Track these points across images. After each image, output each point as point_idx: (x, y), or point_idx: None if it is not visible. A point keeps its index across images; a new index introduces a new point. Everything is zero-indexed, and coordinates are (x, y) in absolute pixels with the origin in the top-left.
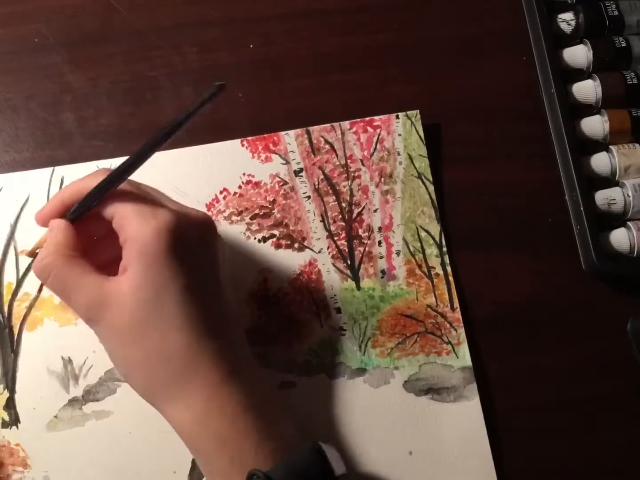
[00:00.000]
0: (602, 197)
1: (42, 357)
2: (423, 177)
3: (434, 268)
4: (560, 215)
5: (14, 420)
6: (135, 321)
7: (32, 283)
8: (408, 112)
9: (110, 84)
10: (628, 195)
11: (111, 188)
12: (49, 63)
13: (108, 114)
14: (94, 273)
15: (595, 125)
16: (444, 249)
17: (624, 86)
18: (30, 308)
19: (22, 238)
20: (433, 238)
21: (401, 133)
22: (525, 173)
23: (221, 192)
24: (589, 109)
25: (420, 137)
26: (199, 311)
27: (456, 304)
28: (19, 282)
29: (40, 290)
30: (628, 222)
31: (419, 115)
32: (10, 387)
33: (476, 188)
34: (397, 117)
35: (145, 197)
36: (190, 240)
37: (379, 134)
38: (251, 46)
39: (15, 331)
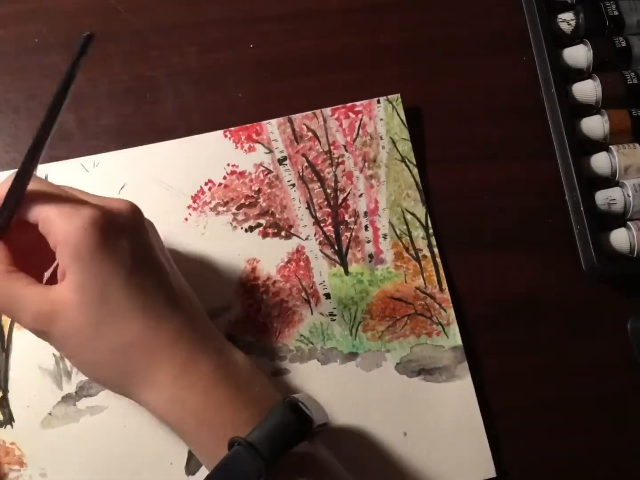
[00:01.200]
0: (602, 197)
1: (33, 355)
2: (407, 161)
3: (421, 250)
4: (560, 215)
5: (8, 420)
6: (86, 323)
7: None
8: (389, 97)
9: (110, 84)
10: (628, 195)
11: (26, 180)
12: (49, 63)
13: (108, 114)
14: (35, 284)
15: (595, 125)
16: (430, 231)
17: (624, 86)
18: None
19: None
20: (419, 220)
21: (383, 117)
22: (525, 173)
23: (206, 184)
24: (589, 109)
25: (402, 120)
26: (147, 297)
27: (444, 284)
28: None
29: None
30: (628, 222)
31: (399, 99)
32: (3, 386)
33: (476, 188)
34: (378, 101)
35: (66, 196)
36: (119, 230)
37: (361, 119)
38: (251, 46)
39: (6, 330)
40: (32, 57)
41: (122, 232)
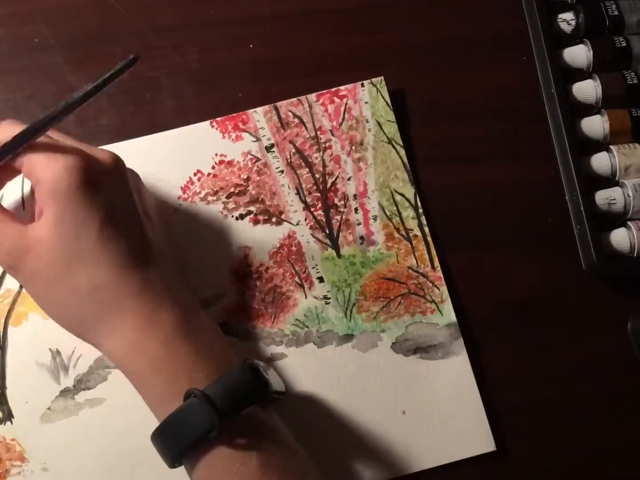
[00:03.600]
0: (602, 197)
1: (29, 351)
2: (393, 142)
3: (412, 230)
4: (560, 215)
5: (7, 416)
6: (57, 260)
7: (13, 279)
8: (373, 80)
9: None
10: (628, 195)
11: (24, 144)
12: (49, 63)
13: (108, 114)
14: (11, 221)
15: (595, 125)
16: (420, 210)
17: (624, 86)
18: (13, 303)
19: None
20: (408, 201)
21: (368, 100)
22: (525, 173)
23: (195, 174)
24: (589, 109)
25: (387, 102)
26: (120, 245)
27: (436, 263)
28: (1, 279)
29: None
30: (628, 222)
31: (383, 82)
32: (1, 383)
33: (476, 188)
34: (362, 85)
35: (50, 141)
36: (100, 177)
37: (346, 104)
38: (251, 46)
39: (1, 327)
40: (32, 57)
41: (102, 179)
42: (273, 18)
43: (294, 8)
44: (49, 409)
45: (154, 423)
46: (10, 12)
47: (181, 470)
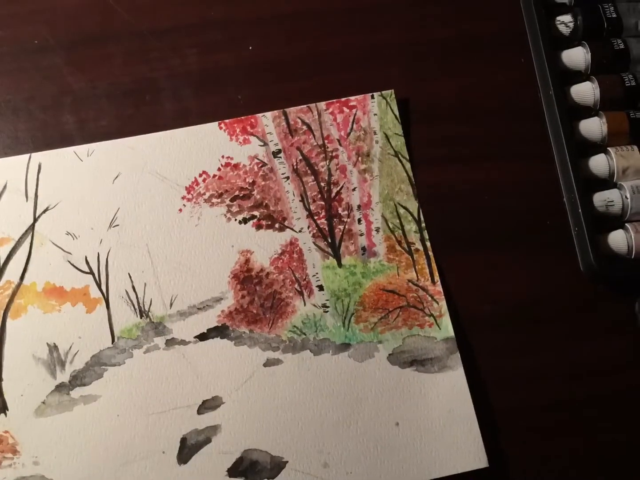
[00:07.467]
0: (600, 198)
1: (27, 344)
2: (400, 155)
3: (414, 244)
4: (558, 217)
5: (2, 408)
6: None
7: (14, 271)
8: (383, 92)
9: (110, 85)
10: (626, 197)
11: None
12: (48, 64)
13: (108, 115)
14: None
15: (593, 127)
16: (423, 225)
17: (622, 88)
18: (13, 296)
19: (1, 226)
20: (411, 214)
21: (377, 113)
22: (523, 174)
23: (200, 175)
24: (587, 111)
25: (395, 116)
26: None
27: (436, 277)
28: (1, 270)
29: (22, 277)
30: (626, 224)
31: (393, 95)
32: None
33: (475, 188)
34: (372, 97)
35: None
36: None
37: (355, 114)
38: (250, 47)
39: None
40: (31, 59)
41: None
42: (273, 19)
43: (294, 8)
44: (43, 403)
45: (147, 423)
46: (10, 13)
47: (170, 468)
